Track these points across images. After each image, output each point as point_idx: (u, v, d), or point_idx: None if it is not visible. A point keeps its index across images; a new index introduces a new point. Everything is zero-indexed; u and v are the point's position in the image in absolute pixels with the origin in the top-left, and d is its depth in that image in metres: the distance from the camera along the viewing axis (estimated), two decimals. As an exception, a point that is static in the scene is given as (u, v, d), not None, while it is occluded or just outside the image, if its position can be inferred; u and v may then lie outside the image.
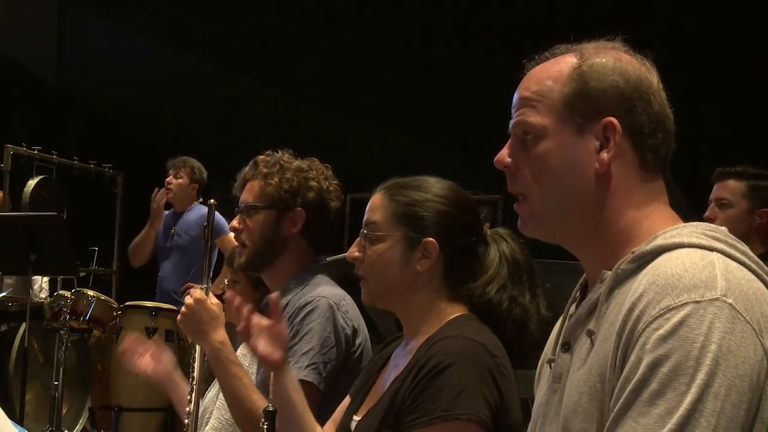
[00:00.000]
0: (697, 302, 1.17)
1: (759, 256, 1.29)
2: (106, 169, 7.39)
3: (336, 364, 2.46)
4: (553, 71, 1.38)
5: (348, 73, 7.88)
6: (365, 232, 2.01)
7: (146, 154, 8.10)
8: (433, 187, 2.02)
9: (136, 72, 9.31)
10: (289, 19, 8.23)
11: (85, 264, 6.53)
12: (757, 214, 3.49)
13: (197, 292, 2.41)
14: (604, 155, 1.33)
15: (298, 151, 2.70)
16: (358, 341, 2.53)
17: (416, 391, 1.82)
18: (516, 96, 1.41)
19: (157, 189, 6.07)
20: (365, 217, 2.04)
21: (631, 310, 1.22)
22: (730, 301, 1.18)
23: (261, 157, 2.67)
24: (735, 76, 6.06)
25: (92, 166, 7.26)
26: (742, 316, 1.18)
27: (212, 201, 2.47)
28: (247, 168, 2.68)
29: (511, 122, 1.41)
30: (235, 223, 2.65)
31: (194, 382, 2.48)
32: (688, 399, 1.14)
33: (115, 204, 7.51)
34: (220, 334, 2.38)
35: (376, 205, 2.02)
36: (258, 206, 2.61)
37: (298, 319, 2.48)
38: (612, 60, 1.36)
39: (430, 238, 1.95)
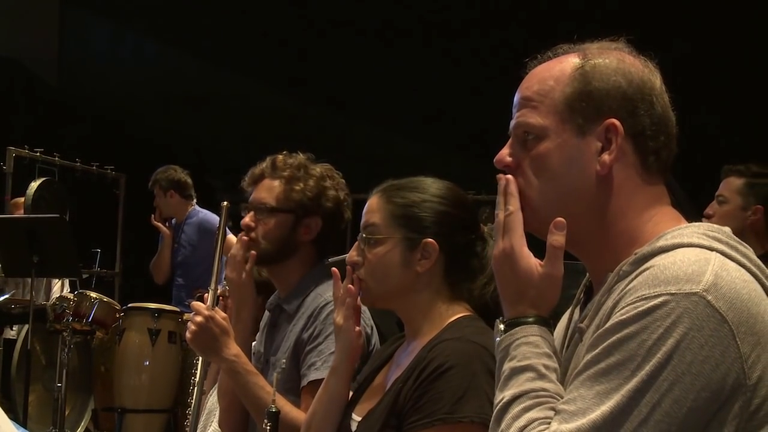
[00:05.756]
0: (672, 294, 1.17)
1: (759, 257, 1.28)
2: (108, 171, 7.39)
3: (359, 363, 2.47)
4: (555, 71, 1.37)
5: (349, 71, 7.87)
6: (364, 235, 2.00)
7: (148, 156, 8.10)
8: (430, 187, 2.01)
9: (137, 73, 9.30)
10: (291, 20, 8.22)
11: (87, 266, 6.53)
12: (750, 210, 3.47)
13: (203, 307, 2.40)
14: (606, 157, 1.31)
15: (300, 150, 2.68)
16: (373, 340, 2.54)
17: (418, 392, 1.82)
18: (517, 96, 1.40)
19: (152, 215, 6.21)
20: (363, 220, 2.03)
21: (616, 303, 1.23)
22: (709, 298, 1.17)
23: (280, 157, 2.62)
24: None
25: (94, 168, 7.27)
26: (721, 314, 1.16)
27: (225, 203, 2.45)
28: (264, 165, 2.63)
29: (512, 122, 1.40)
30: (248, 219, 2.58)
31: (195, 385, 2.47)
32: (629, 386, 1.16)
33: (118, 206, 7.52)
34: (233, 348, 2.39)
35: (374, 207, 2.01)
36: (277, 208, 2.56)
37: (321, 318, 2.48)
38: (615, 61, 1.35)
39: (430, 239, 1.94)
